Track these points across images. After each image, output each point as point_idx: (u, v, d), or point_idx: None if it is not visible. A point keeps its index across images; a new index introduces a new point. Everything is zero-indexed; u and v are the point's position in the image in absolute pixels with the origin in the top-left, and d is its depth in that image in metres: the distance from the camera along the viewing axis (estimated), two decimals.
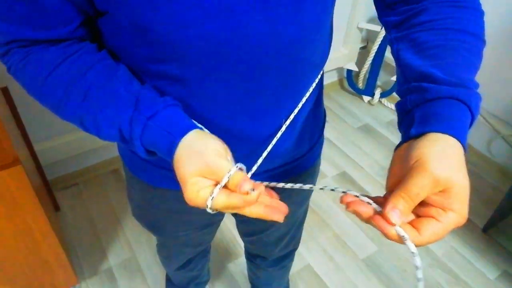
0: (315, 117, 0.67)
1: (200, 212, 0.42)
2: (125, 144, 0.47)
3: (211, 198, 0.40)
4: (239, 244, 1.47)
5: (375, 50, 1.98)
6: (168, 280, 1.26)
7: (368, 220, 0.38)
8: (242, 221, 0.91)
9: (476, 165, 1.81)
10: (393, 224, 0.36)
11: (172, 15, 0.42)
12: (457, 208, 0.37)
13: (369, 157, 1.86)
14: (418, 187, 0.36)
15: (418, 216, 0.39)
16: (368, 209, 0.38)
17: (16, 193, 0.93)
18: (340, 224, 1.56)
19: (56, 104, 0.47)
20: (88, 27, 0.48)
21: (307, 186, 0.45)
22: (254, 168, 0.52)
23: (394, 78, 2.01)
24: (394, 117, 2.07)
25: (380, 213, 0.37)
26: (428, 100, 0.43)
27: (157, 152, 0.46)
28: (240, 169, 0.41)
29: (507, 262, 1.45)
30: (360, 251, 1.48)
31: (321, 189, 0.44)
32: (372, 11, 1.98)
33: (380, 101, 2.16)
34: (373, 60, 2.03)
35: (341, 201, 0.40)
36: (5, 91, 1.16)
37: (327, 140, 1.92)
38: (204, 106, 0.51)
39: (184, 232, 0.83)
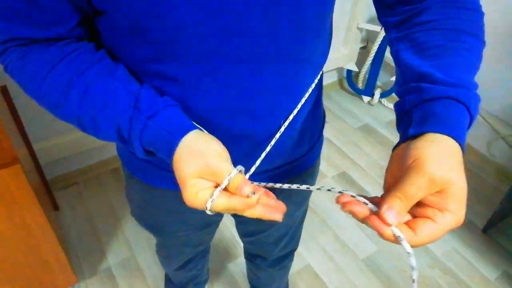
0: (315, 117, 0.66)
1: (199, 212, 0.42)
2: (123, 144, 0.47)
3: (211, 200, 0.40)
4: (239, 244, 1.47)
5: (375, 50, 1.97)
6: (168, 279, 1.26)
7: (364, 220, 0.38)
8: (241, 222, 0.91)
9: (476, 165, 1.81)
10: (389, 225, 0.36)
11: (170, 14, 0.41)
12: (454, 209, 0.36)
13: (368, 157, 1.86)
14: (415, 187, 0.36)
15: (414, 216, 0.38)
16: (364, 209, 0.38)
17: (15, 192, 0.93)
18: (340, 224, 1.56)
19: (54, 104, 0.47)
20: (86, 27, 0.48)
21: (303, 187, 0.45)
22: (253, 169, 0.52)
23: (394, 78, 2.01)
24: (394, 117, 2.06)
25: (376, 213, 0.37)
26: (426, 100, 0.42)
27: (156, 152, 0.45)
28: (240, 171, 0.41)
29: (507, 263, 1.44)
30: (360, 251, 1.48)
31: (318, 189, 0.44)
32: (372, 11, 1.97)
33: (380, 101, 2.16)
34: (373, 60, 2.03)
35: (337, 201, 0.40)
36: (4, 90, 1.16)
37: (327, 140, 1.92)
38: (203, 106, 0.51)
39: (183, 232, 0.83)
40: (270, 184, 0.46)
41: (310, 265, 1.43)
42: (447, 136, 0.38)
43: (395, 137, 1.96)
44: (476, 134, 1.80)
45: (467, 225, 1.55)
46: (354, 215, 0.39)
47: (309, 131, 0.67)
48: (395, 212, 0.36)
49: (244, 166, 0.43)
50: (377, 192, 1.32)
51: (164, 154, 0.44)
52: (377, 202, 0.38)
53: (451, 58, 0.46)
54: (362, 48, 2.16)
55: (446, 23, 0.48)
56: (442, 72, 0.44)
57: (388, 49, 1.97)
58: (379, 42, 1.94)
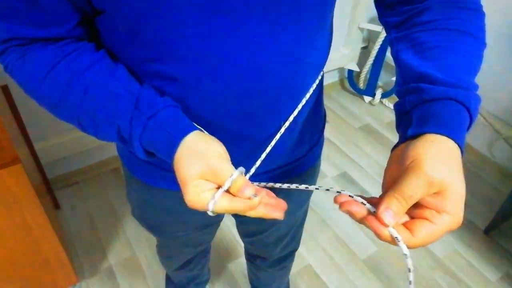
0: (315, 117, 0.66)
1: (199, 213, 0.42)
2: (123, 145, 0.47)
3: (213, 201, 0.40)
4: (240, 244, 1.47)
5: (376, 50, 1.97)
6: (168, 279, 1.26)
7: (361, 221, 0.38)
8: (242, 222, 0.91)
9: (477, 166, 1.81)
10: (386, 225, 0.36)
11: (170, 14, 0.41)
12: (452, 210, 0.36)
13: (369, 157, 1.86)
14: (412, 188, 0.36)
15: (412, 217, 0.38)
16: (361, 209, 0.38)
17: (16, 191, 0.93)
18: (340, 224, 1.56)
19: (53, 103, 0.47)
20: (86, 27, 0.48)
21: (302, 186, 0.45)
22: (253, 170, 0.52)
23: (395, 79, 2.00)
24: (395, 117, 2.07)
25: (374, 214, 0.37)
26: (426, 101, 0.42)
27: (156, 152, 0.45)
28: (241, 172, 0.41)
29: (509, 264, 1.44)
30: (360, 252, 1.48)
31: (316, 189, 0.44)
32: (373, 11, 1.97)
33: (381, 102, 2.16)
34: (374, 60, 2.02)
35: (335, 201, 0.40)
36: (5, 89, 1.16)
37: (328, 140, 1.91)
38: (203, 106, 0.51)
39: (183, 232, 0.83)
40: (270, 184, 0.46)
41: (311, 265, 1.43)
42: (446, 137, 0.38)
43: (396, 138, 1.93)
44: (477, 135, 1.79)
45: (468, 226, 1.55)
46: (351, 215, 0.39)
47: (309, 132, 0.66)
48: (392, 212, 0.36)
49: (244, 167, 0.43)
50: (378, 192, 1.31)
51: (165, 154, 0.44)
52: (375, 202, 0.38)
53: (451, 59, 0.45)
54: (363, 48, 2.16)
55: (447, 23, 0.48)
56: (442, 73, 0.43)
57: (389, 49, 1.97)
58: (381, 42, 1.93)
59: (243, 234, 0.97)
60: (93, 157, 1.68)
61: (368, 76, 2.12)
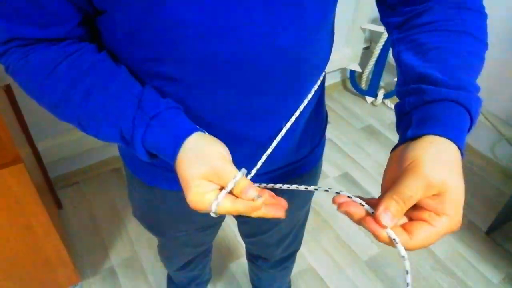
0: (317, 118, 0.66)
1: (201, 213, 0.42)
2: (124, 145, 0.47)
3: (216, 203, 0.40)
4: (241, 244, 1.47)
5: (378, 51, 1.97)
6: (170, 279, 1.26)
7: (359, 222, 0.38)
8: (244, 222, 0.91)
9: (480, 167, 1.80)
10: (384, 227, 0.36)
11: (170, 14, 0.41)
12: (451, 212, 0.36)
13: (371, 158, 1.86)
14: (411, 189, 0.36)
15: (411, 219, 0.38)
16: (360, 210, 0.38)
17: (17, 191, 0.93)
18: (342, 225, 1.55)
19: (55, 104, 0.47)
20: (87, 27, 0.48)
21: (302, 187, 0.45)
22: (254, 171, 0.52)
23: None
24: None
25: (373, 215, 0.37)
26: (426, 102, 0.42)
27: (158, 153, 0.45)
28: (243, 174, 0.41)
29: (511, 266, 1.43)
30: (362, 253, 1.47)
31: (315, 189, 0.44)
32: (375, 11, 1.96)
33: (383, 102, 2.15)
34: (376, 61, 2.02)
35: (333, 202, 0.39)
36: (8, 89, 1.17)
37: (330, 141, 1.91)
38: (203, 107, 0.51)
39: (185, 233, 0.83)
40: (270, 185, 0.46)
41: (312, 266, 1.43)
42: (446, 139, 0.38)
43: (397, 138, 1.95)
44: (480, 136, 1.79)
45: (470, 227, 1.54)
46: (349, 216, 0.39)
47: (311, 133, 0.66)
48: (390, 214, 0.36)
49: (246, 168, 0.43)
50: (379, 193, 1.31)
51: (167, 155, 0.43)
52: (374, 203, 0.38)
53: (452, 60, 0.45)
54: (365, 48, 2.15)
55: (448, 24, 0.48)
56: (443, 74, 0.43)
57: (391, 50, 1.96)
58: (383, 43, 1.93)
59: (244, 235, 0.97)
60: (95, 157, 1.69)
61: (370, 76, 2.12)
